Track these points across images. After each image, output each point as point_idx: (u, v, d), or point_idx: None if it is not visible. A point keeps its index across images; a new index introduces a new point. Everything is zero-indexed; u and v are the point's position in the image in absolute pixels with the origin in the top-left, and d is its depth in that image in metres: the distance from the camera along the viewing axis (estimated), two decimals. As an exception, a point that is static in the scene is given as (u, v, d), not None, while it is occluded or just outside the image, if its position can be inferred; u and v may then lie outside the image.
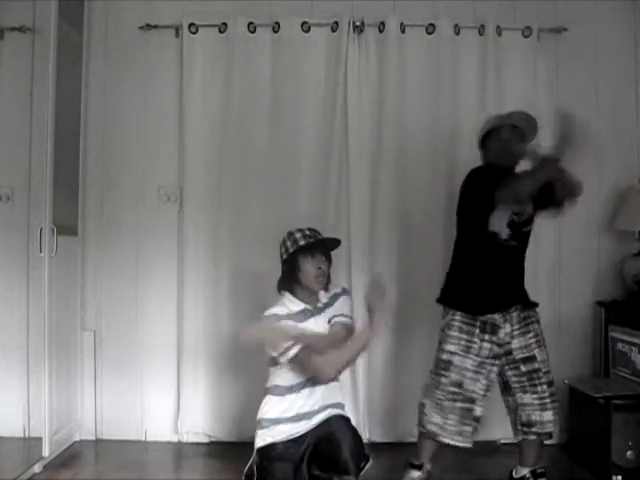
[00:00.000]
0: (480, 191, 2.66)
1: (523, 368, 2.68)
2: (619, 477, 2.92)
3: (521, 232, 2.73)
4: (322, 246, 2.57)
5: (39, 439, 3.10)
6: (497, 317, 2.68)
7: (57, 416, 3.22)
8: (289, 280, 2.58)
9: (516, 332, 2.70)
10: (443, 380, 2.66)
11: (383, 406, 3.45)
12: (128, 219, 3.60)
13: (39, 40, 3.17)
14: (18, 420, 3.18)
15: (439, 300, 2.78)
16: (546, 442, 3.43)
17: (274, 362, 2.53)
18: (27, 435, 3.18)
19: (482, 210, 2.68)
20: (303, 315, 2.55)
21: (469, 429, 2.65)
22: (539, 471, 2.74)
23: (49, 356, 3.13)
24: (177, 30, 3.56)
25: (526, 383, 2.68)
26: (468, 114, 3.50)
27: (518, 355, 2.69)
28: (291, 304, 2.56)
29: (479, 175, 2.74)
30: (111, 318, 3.59)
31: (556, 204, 2.76)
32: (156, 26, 3.56)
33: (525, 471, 2.74)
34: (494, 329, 2.67)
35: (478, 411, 2.67)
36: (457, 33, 3.52)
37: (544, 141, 3.53)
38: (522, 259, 2.79)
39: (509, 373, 2.71)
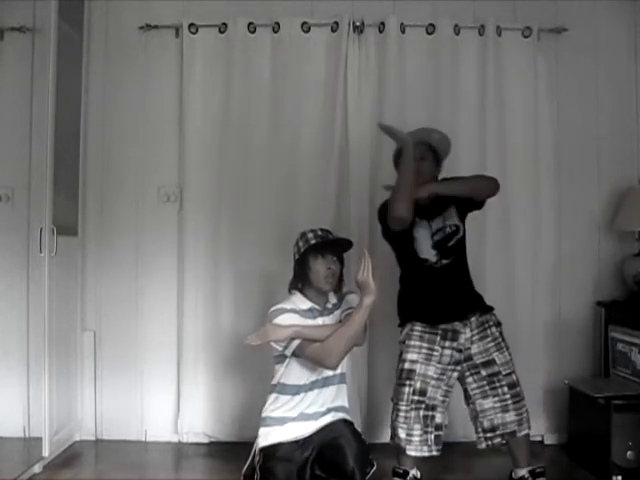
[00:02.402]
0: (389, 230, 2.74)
1: (483, 372, 2.69)
2: (619, 477, 2.92)
3: (447, 248, 2.74)
4: (333, 247, 2.59)
5: (39, 439, 3.10)
6: (457, 324, 2.70)
7: (57, 416, 3.22)
8: (300, 280, 2.61)
9: (475, 337, 2.71)
10: (407, 390, 2.67)
11: (384, 406, 3.45)
12: (128, 219, 3.60)
13: (39, 40, 3.16)
14: (18, 420, 3.17)
15: (401, 325, 2.82)
16: (546, 442, 3.49)
17: (281, 359, 2.55)
18: (27, 435, 3.17)
19: (404, 243, 2.73)
20: (310, 313, 2.58)
21: (432, 437, 2.67)
22: (538, 471, 2.73)
23: (49, 356, 3.13)
24: (177, 30, 3.56)
25: (487, 387, 2.68)
26: (468, 114, 3.51)
27: (478, 360, 2.69)
28: (299, 302, 2.59)
29: (384, 212, 2.74)
30: (111, 318, 3.59)
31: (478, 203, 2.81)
32: (156, 26, 3.56)
33: (523, 472, 2.73)
34: (455, 335, 2.70)
35: (439, 418, 2.69)
36: (457, 33, 3.52)
37: (543, 142, 3.58)
38: (464, 268, 2.81)
39: (469, 379, 2.71)
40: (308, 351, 2.46)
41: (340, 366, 2.58)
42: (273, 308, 2.55)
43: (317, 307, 2.60)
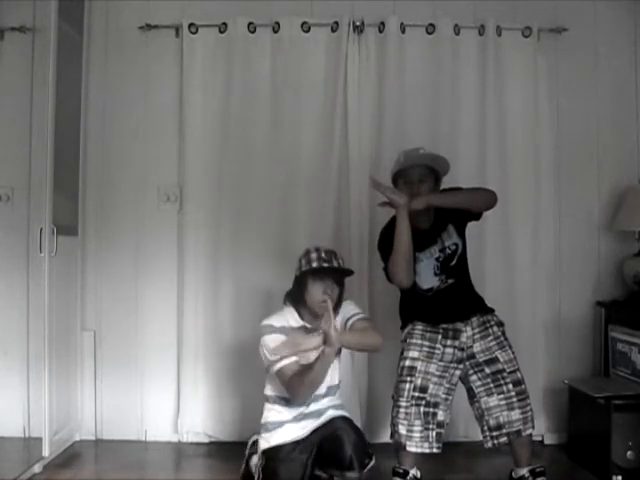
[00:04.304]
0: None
1: (487, 370, 2.70)
2: (619, 477, 2.92)
3: (450, 267, 2.76)
4: (334, 272, 2.55)
5: (39, 439, 3.10)
6: (458, 323, 2.72)
7: (57, 416, 3.22)
8: (296, 297, 2.59)
9: (477, 336, 2.72)
10: (407, 386, 2.67)
11: (385, 406, 3.44)
12: (128, 219, 3.59)
13: (39, 40, 3.16)
14: (18, 420, 3.17)
15: (403, 327, 2.84)
16: (546, 442, 3.49)
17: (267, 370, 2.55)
18: (27, 435, 3.18)
19: None
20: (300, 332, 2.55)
21: (433, 434, 2.67)
22: (538, 470, 2.73)
23: (49, 356, 3.12)
24: (177, 30, 3.55)
25: (491, 385, 2.69)
26: (468, 114, 3.51)
27: (481, 358, 2.71)
28: (290, 318, 2.58)
29: (386, 242, 2.73)
30: (111, 318, 3.59)
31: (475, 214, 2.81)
32: (156, 26, 3.56)
33: (523, 471, 2.73)
34: (456, 334, 2.72)
35: (441, 415, 2.69)
36: (457, 33, 3.51)
37: (543, 142, 3.58)
38: (466, 280, 2.83)
39: (473, 377, 2.72)
40: (282, 381, 2.45)
41: (337, 377, 2.61)
42: (264, 322, 2.55)
43: (308, 326, 2.57)
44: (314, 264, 2.51)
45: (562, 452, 3.36)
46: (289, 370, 2.44)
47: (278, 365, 2.44)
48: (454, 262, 2.77)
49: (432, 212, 2.76)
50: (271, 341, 2.47)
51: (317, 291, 2.51)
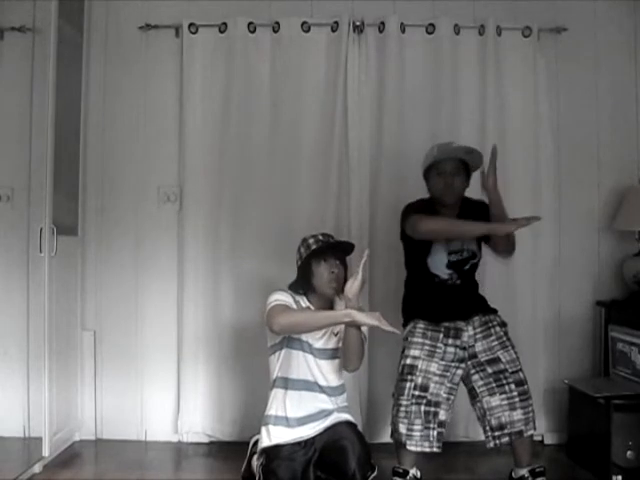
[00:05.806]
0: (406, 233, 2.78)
1: (489, 369, 2.70)
2: (619, 477, 2.91)
3: (462, 271, 2.78)
4: (335, 250, 2.57)
5: (39, 439, 3.10)
6: (460, 322, 2.73)
7: (57, 416, 3.22)
8: (303, 286, 2.59)
9: (479, 335, 2.73)
10: (408, 385, 2.67)
11: (385, 406, 3.44)
12: (128, 219, 3.60)
13: (39, 40, 3.16)
14: (18, 420, 3.17)
15: (405, 324, 2.84)
16: (546, 442, 3.49)
17: (277, 348, 2.55)
18: (27, 435, 3.17)
19: (418, 253, 2.77)
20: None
21: (434, 433, 2.66)
22: (538, 470, 2.73)
23: (49, 356, 3.12)
24: (177, 30, 3.55)
25: (493, 384, 2.69)
26: (468, 114, 3.51)
27: (483, 357, 2.71)
28: (299, 299, 2.58)
29: (412, 212, 2.77)
30: (111, 318, 3.59)
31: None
32: (156, 26, 3.56)
33: (523, 471, 2.73)
34: (458, 333, 2.72)
35: (442, 415, 2.68)
36: (457, 33, 3.52)
37: (543, 142, 3.58)
38: (473, 283, 2.85)
39: (475, 377, 2.72)
40: (275, 311, 2.44)
41: (337, 379, 2.60)
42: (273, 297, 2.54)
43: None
44: (314, 247, 2.55)
45: (562, 452, 3.36)
46: (285, 303, 2.48)
47: (274, 297, 2.48)
48: (467, 267, 2.79)
49: (457, 210, 2.80)
50: (282, 296, 2.51)
51: (324, 271, 2.53)
